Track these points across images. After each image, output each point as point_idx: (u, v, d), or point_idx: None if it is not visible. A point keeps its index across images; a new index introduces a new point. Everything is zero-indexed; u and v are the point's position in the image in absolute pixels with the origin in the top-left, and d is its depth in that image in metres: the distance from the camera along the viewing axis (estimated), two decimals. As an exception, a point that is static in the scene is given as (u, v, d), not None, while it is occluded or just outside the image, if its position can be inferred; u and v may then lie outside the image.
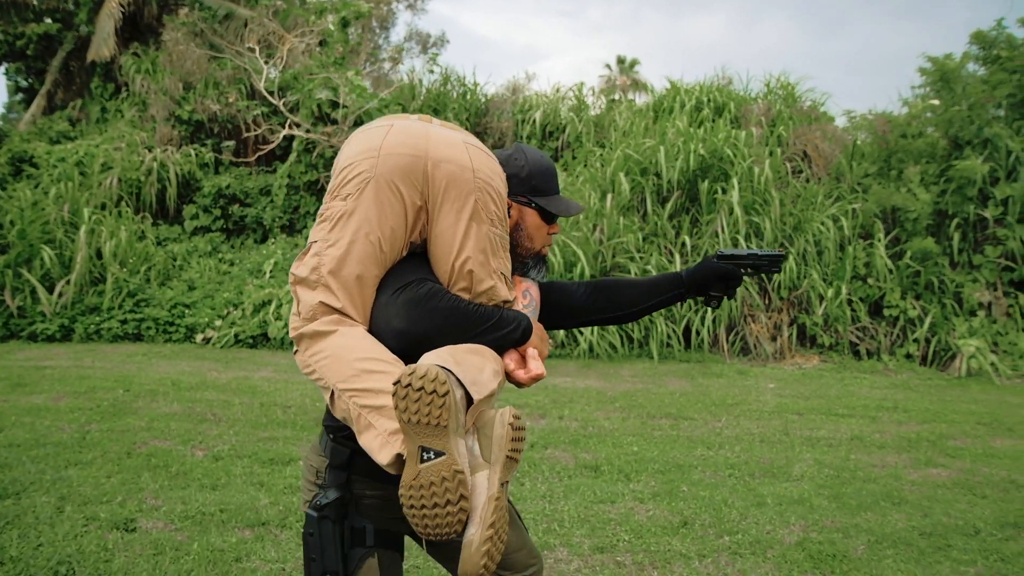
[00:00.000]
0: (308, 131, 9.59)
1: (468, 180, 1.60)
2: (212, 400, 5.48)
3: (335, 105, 9.55)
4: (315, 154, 9.69)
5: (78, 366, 6.72)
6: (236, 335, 8.07)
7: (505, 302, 1.70)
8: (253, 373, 6.72)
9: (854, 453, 4.70)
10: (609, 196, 8.73)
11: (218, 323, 8.24)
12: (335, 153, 9.76)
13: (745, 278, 2.05)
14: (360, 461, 1.58)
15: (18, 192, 9.33)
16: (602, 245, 8.44)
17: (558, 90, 12.39)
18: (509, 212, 1.77)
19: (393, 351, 1.56)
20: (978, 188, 8.59)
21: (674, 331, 8.14)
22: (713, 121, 10.21)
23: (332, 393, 1.54)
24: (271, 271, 9.02)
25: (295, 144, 9.92)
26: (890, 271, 8.50)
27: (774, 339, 8.37)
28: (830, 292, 8.27)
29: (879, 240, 8.60)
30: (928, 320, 8.14)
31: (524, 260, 1.85)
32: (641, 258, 8.35)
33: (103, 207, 9.66)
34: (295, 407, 5.43)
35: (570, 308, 1.96)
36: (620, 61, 35.62)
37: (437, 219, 1.61)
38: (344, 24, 11.00)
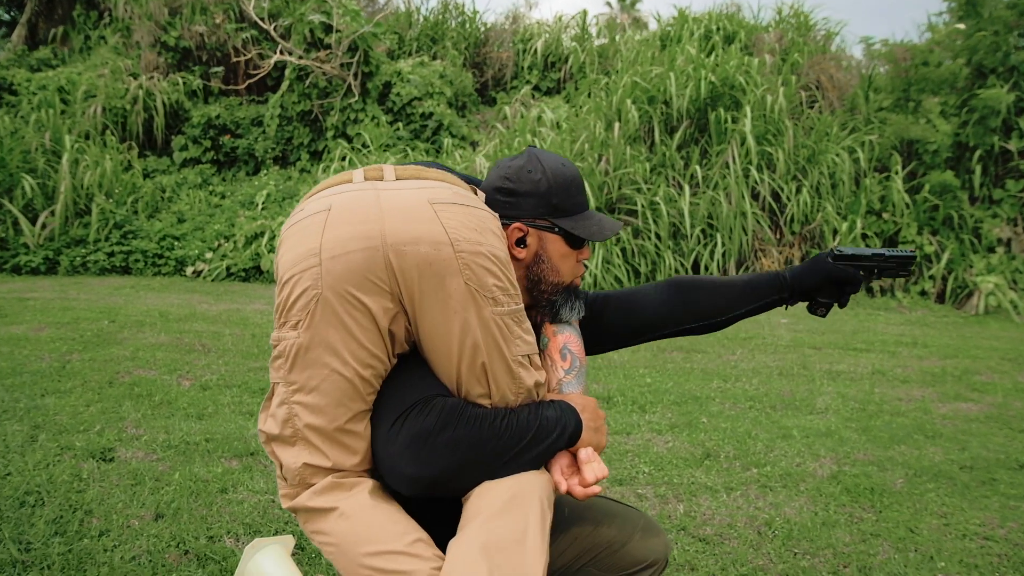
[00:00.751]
0: (301, 57, 9.11)
1: (448, 260, 1.20)
2: (201, 331, 5.21)
3: (328, 29, 9.05)
4: (308, 82, 9.24)
5: (62, 298, 6.43)
6: (228, 268, 7.76)
7: (538, 385, 1.33)
8: (245, 306, 6.44)
9: (878, 387, 4.47)
10: (616, 125, 8.34)
11: (209, 256, 7.93)
12: (328, 82, 9.29)
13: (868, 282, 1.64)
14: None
15: (-3, 120, 8.91)
16: (608, 176, 8.08)
17: (560, 19, 11.85)
18: (526, 241, 1.40)
19: (407, 494, 1.25)
20: (1002, 119, 8.21)
21: (682, 264, 7.85)
22: (724, 49, 9.74)
23: None
24: (263, 203, 8.67)
25: (287, 72, 9.45)
26: (907, 206, 8.19)
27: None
28: (844, 226, 7.96)
29: (896, 173, 8.25)
30: (945, 256, 7.86)
31: (551, 299, 1.45)
32: (649, 189, 8.00)
33: (87, 136, 9.25)
34: (289, 339, 5.17)
35: (639, 327, 1.58)
36: (622, -3, 34.53)
37: (421, 321, 1.24)
38: (337, -55, 10.39)
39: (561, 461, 1.32)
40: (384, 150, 8.91)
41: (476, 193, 1.37)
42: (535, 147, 1.49)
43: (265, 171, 9.63)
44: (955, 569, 2.20)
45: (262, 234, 7.99)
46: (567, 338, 1.45)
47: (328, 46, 9.02)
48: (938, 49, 8.87)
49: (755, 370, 4.71)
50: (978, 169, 8.27)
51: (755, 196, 8.06)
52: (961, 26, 8.54)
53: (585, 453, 1.31)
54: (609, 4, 36.39)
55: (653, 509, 2.54)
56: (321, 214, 1.23)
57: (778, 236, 8.21)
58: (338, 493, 1.23)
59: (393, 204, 1.23)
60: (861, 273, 1.58)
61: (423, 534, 1.23)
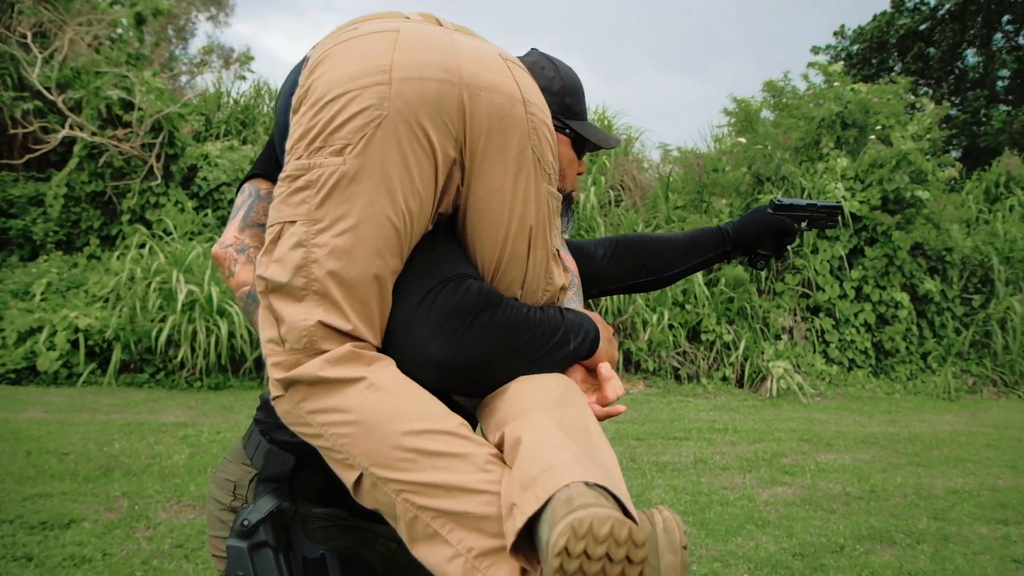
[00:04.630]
0: (94, 134, 8.36)
1: (520, 118, 1.06)
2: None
3: (128, 107, 8.41)
4: (101, 161, 8.47)
5: None
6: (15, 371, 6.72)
7: (563, 290, 1.21)
8: (16, 415, 5.55)
9: (703, 476, 4.65)
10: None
11: (-24, 358, 6.82)
12: (126, 162, 8.57)
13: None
14: (309, 478, 1.11)
15: None
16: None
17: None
18: None
19: (431, 385, 1.03)
20: (778, 221, 9.24)
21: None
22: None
23: (360, 476, 0.97)
24: (43, 293, 7.67)
25: (76, 149, 8.62)
26: (707, 298, 8.87)
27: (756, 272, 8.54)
28: (654, 318, 8.45)
29: (695, 268, 8.96)
30: (742, 344, 8.55)
31: None
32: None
33: None
34: (75, 453, 4.47)
35: (591, 275, 1.52)
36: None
37: (478, 179, 1.07)
38: (139, 21, 9.81)
39: (576, 375, 1.16)
40: (190, 238, 8.29)
41: None
42: (538, 48, 1.40)
43: (45, 257, 8.60)
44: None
45: (40, 329, 7.02)
46: (564, 255, 1.33)
47: (128, 124, 8.36)
48: (724, 158, 9.90)
49: (589, 464, 4.73)
50: (763, 265, 9.20)
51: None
52: (742, 140, 9.61)
53: (606, 368, 1.17)
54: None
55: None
56: (388, 33, 1.03)
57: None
58: (361, 365, 0.98)
59: (467, 45, 1.07)
60: (796, 225, 1.65)
61: (466, 421, 1.00)
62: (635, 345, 8.43)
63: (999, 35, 20.54)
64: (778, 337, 8.99)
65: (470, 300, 1.04)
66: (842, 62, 13.11)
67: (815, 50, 21.88)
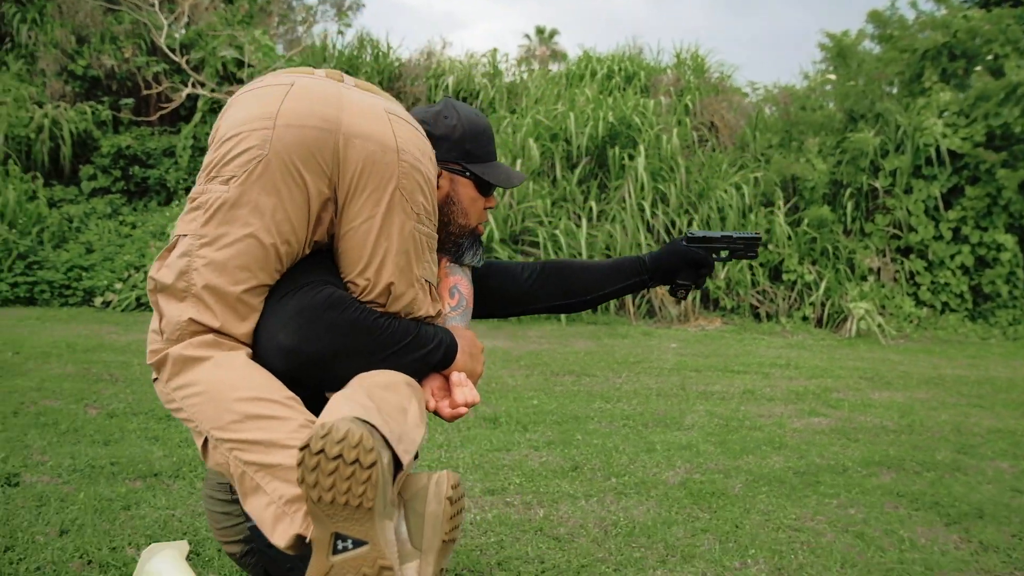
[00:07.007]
0: (213, 91, 9.27)
1: (391, 163, 1.26)
2: (109, 361, 5.32)
3: (241, 64, 9.25)
4: (221, 114, 9.40)
5: (-37, 330, 6.40)
6: (138, 298, 7.80)
7: (427, 318, 1.39)
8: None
9: (744, 405, 4.96)
10: (519, 161, 8.81)
11: (118, 286, 7.96)
12: (243, 113, 9.46)
13: (716, 264, 1.82)
14: None
15: None
16: (511, 209, 8.53)
17: (472, 56, 12.34)
18: (438, 182, 1.47)
19: (276, 373, 1.23)
20: (870, 160, 9.06)
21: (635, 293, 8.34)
22: (623, 89, 10.39)
23: (205, 440, 1.20)
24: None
25: (200, 104, 9.58)
26: (789, 238, 8.91)
27: (678, 302, 8.67)
28: (732, 257, 8.59)
29: (779, 208, 8.98)
30: (823, 284, 8.59)
31: (458, 241, 1.55)
32: (550, 223, 8.48)
33: (-11, 165, 9.13)
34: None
35: (514, 295, 1.70)
36: (539, 31, 35.60)
37: (348, 213, 1.27)
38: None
39: (434, 383, 1.38)
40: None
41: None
42: (452, 98, 1.61)
43: (177, 201, 9.69)
44: (762, 555, 2.63)
45: (173, 264, 8.06)
46: (458, 280, 1.57)
47: (241, 80, 9.20)
48: (814, 95, 9.71)
49: (636, 391, 5.15)
50: (850, 204, 9.09)
51: (649, 229, 8.63)
52: (832, 76, 9.39)
53: (457, 376, 1.38)
54: (528, 37, 37.47)
55: (516, 514, 2.89)
56: (283, 87, 1.26)
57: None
58: (215, 348, 1.21)
59: (354, 101, 1.28)
60: (712, 256, 1.74)
61: (298, 398, 1.22)
62: (713, 284, 8.64)
63: None
64: (864, 278, 8.93)
65: (319, 300, 1.23)
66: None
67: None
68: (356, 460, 0.98)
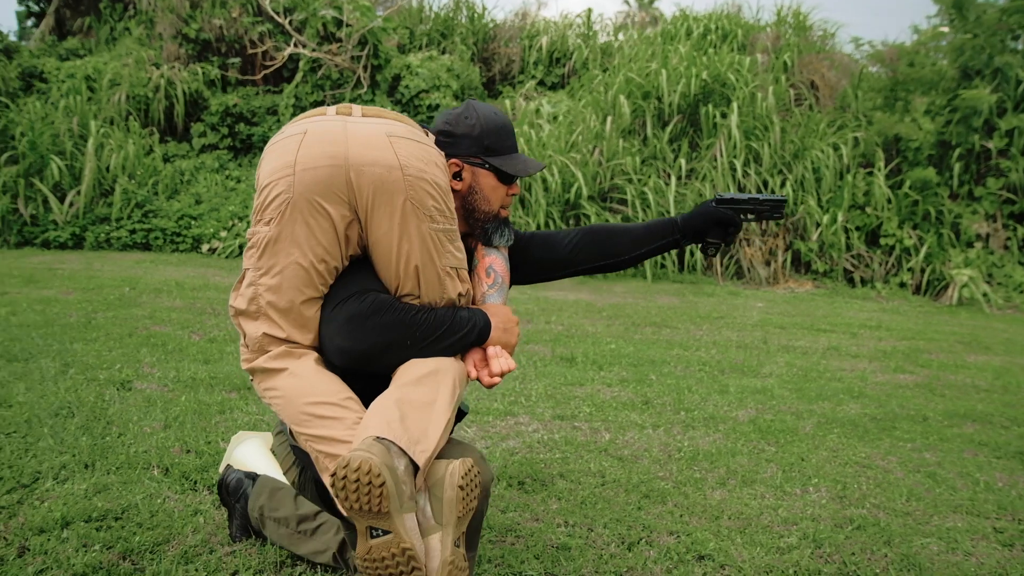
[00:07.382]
0: (313, 50, 9.60)
1: (397, 181, 1.51)
2: (213, 298, 5.71)
3: (340, 23, 9.53)
4: (320, 74, 9.73)
5: (88, 269, 6.97)
6: (240, 245, 8.27)
7: (460, 296, 1.64)
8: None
9: (826, 359, 4.86)
10: (609, 119, 8.76)
11: (223, 234, 8.45)
12: (340, 73, 9.79)
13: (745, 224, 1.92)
14: None
15: (28, 106, 9.47)
16: (601, 167, 8.51)
17: (566, 17, 12.27)
18: (461, 175, 1.69)
19: (339, 367, 1.55)
20: (984, 119, 8.54)
21: (669, 252, 8.26)
22: (718, 47, 10.12)
23: (291, 430, 1.56)
24: (276, 188, 9.17)
25: (301, 64, 9.95)
26: (888, 200, 8.54)
27: (768, 264, 8.48)
28: (826, 219, 8.33)
29: (879, 169, 8.61)
30: (924, 250, 8.21)
31: (484, 226, 1.75)
32: (639, 180, 8.42)
33: (111, 122, 9.79)
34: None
35: (556, 261, 1.89)
36: (639, -5, 34.76)
37: (371, 228, 1.54)
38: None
39: (474, 355, 1.63)
40: (391, 139, 9.37)
41: (427, 135, 1.70)
42: (475, 100, 1.81)
43: (279, 157, 10.14)
44: (824, 484, 2.63)
45: (274, 216, 8.49)
46: (492, 260, 1.77)
47: (339, 40, 9.50)
48: (923, 50, 9.19)
49: (716, 342, 5.13)
50: (957, 167, 8.61)
51: (741, 189, 8.44)
52: (945, 29, 8.86)
53: (493, 349, 1.63)
54: (627, 2, 36.72)
55: (583, 436, 2.99)
56: (298, 136, 1.53)
57: (762, 227, 8.60)
58: (289, 359, 1.54)
59: (357, 133, 1.53)
60: (740, 216, 1.85)
61: (355, 396, 1.55)
62: (805, 246, 8.40)
63: None
64: (970, 244, 8.48)
65: (364, 307, 1.52)
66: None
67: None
68: (369, 483, 1.30)
